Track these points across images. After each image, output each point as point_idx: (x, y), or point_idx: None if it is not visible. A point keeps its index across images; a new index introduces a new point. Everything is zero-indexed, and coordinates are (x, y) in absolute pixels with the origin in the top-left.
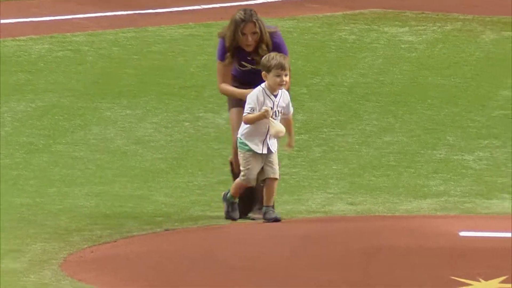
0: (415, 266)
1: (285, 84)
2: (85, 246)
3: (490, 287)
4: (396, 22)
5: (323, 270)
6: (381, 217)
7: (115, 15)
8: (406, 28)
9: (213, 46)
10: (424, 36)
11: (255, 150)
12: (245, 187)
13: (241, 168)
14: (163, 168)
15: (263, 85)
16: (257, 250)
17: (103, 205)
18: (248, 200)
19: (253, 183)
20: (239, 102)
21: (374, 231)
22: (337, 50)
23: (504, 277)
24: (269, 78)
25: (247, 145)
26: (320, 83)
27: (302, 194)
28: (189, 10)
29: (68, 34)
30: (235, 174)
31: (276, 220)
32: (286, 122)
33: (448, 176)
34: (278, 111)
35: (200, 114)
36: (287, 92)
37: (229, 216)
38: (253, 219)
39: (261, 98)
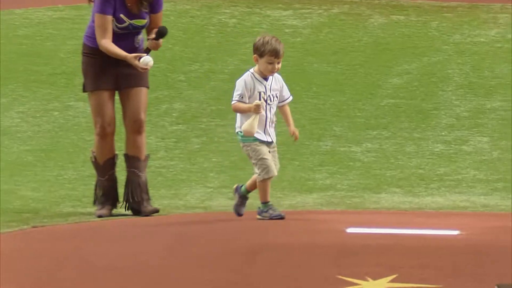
0: (299, 265)
1: (276, 72)
2: None
3: (379, 286)
4: (279, 5)
5: (201, 270)
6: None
7: None
8: (290, 12)
9: (84, 30)
10: (309, 20)
11: (261, 139)
12: (269, 182)
13: (253, 161)
14: (30, 161)
15: (251, 69)
16: (130, 248)
17: None
18: (112, 190)
19: (275, 172)
20: (104, 82)
21: (256, 227)
22: (217, 34)
23: (393, 276)
24: (260, 63)
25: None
26: (199, 70)
27: (180, 188)
28: None
29: None
30: (99, 165)
31: (281, 217)
32: (283, 111)
33: (335, 169)
34: (272, 95)
35: (71, 103)
36: (278, 75)
37: (236, 210)
38: (146, 214)
39: (250, 84)
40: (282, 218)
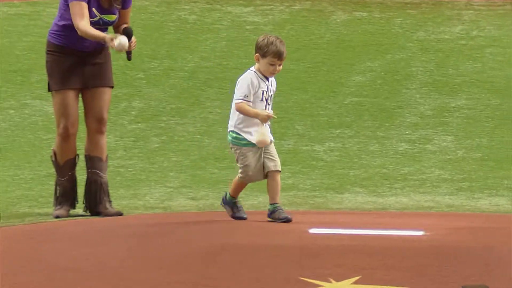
0: (261, 266)
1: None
2: None
3: None
4: (240, 1)
5: (161, 271)
6: (225, 213)
7: None
8: (251, 8)
9: (41, 26)
10: (270, 17)
11: (253, 142)
12: (245, 185)
13: (239, 165)
14: None
15: (252, 68)
16: (89, 250)
17: None
18: (72, 191)
19: (256, 179)
20: (71, 82)
21: (217, 228)
22: (176, 31)
23: (357, 277)
24: (262, 63)
25: (243, 139)
26: (159, 67)
27: (139, 188)
28: None
29: None
30: (59, 165)
31: (287, 220)
32: None
33: (297, 168)
34: (271, 95)
35: (27, 101)
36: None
37: (237, 217)
38: (107, 214)
39: (256, 82)
40: (244, 219)
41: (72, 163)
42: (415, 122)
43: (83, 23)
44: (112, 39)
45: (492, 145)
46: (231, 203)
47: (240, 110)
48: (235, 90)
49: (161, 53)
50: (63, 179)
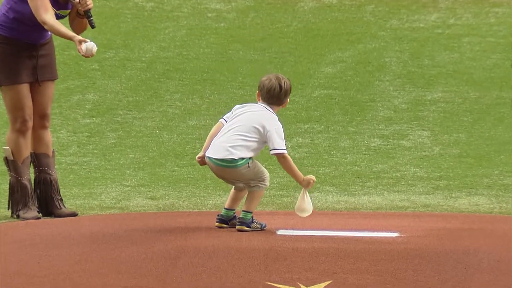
0: (225, 270)
1: None
2: None
3: None
4: None
5: (118, 276)
6: (186, 214)
7: None
8: None
9: None
10: (233, 4)
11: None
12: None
13: (259, 170)
14: None
15: (271, 109)
16: (40, 253)
17: None
18: (31, 190)
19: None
20: (23, 75)
21: (177, 230)
22: (133, 19)
23: (328, 282)
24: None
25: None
26: (114, 58)
27: (94, 187)
28: None
29: None
30: (17, 164)
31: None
32: None
33: (264, 165)
34: None
35: None
36: None
37: (264, 226)
38: (60, 215)
39: None
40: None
41: (29, 161)
42: (389, 116)
43: (49, 17)
44: (80, 42)
45: (470, 141)
46: (253, 218)
47: (287, 162)
48: (270, 134)
49: (116, 43)
50: (23, 179)
